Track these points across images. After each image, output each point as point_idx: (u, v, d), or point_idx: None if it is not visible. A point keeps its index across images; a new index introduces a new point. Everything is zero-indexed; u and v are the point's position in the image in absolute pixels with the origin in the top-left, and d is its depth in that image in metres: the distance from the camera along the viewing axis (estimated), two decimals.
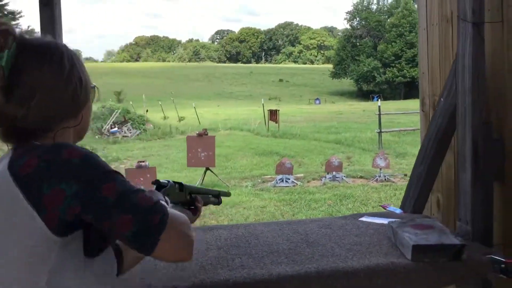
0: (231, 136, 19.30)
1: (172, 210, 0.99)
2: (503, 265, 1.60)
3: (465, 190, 1.92)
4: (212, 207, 6.59)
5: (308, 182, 10.47)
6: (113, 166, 12.20)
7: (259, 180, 10.65)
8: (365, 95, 60.02)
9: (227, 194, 1.77)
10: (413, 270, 1.59)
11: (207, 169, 9.90)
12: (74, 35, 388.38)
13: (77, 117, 1.08)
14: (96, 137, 18.78)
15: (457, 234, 1.87)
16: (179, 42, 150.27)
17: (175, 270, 1.57)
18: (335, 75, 71.32)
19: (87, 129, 1.15)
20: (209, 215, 7.59)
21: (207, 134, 10.04)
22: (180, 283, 1.47)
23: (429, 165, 2.23)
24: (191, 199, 1.43)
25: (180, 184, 1.39)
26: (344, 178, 10.18)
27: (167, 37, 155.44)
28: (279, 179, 10.11)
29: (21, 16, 47.42)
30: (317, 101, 48.46)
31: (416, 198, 2.27)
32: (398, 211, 2.31)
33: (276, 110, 20.04)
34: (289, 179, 10.12)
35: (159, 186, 1.31)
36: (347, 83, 70.86)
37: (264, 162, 13.10)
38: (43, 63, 1.02)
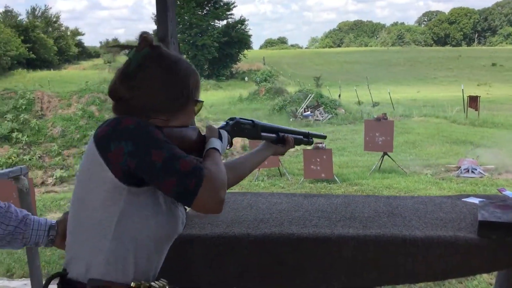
0: (424, 123, 18.45)
1: (212, 169, 1.20)
2: None
3: None
4: None
5: (499, 174, 9.56)
6: (300, 147, 12.90)
7: (442, 169, 10.12)
8: None
9: (321, 136, 1.96)
10: (476, 245, 1.61)
11: (385, 153, 9.81)
12: (281, 24, 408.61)
13: (167, 118, 1.31)
14: (291, 119, 19.85)
15: None
16: (383, 26, 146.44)
17: (256, 221, 1.88)
18: None
19: (185, 123, 1.37)
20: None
21: (386, 119, 9.91)
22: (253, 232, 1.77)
23: None
24: (269, 136, 1.69)
25: (252, 121, 1.65)
26: None
27: (371, 22, 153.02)
28: (464, 169, 9.46)
29: (234, 6, 52.17)
30: None
31: None
32: None
33: (476, 97, 18.39)
34: (476, 169, 9.39)
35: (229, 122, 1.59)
36: None
37: (454, 151, 12.32)
38: (159, 69, 1.28)
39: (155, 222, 1.22)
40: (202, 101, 1.41)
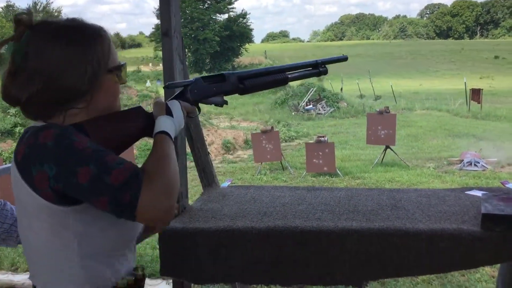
0: (426, 116, 18.43)
1: (153, 169, 1.00)
2: None
3: None
4: None
5: (502, 167, 9.56)
6: (302, 141, 12.92)
7: (444, 162, 10.12)
8: None
9: (339, 59, 1.65)
10: (479, 238, 1.62)
11: (387, 147, 9.81)
12: (282, 17, 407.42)
13: (84, 104, 1.10)
14: (293, 113, 19.84)
15: None
16: (385, 19, 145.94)
17: (259, 214, 1.89)
18: None
19: (107, 108, 1.15)
20: None
21: (388, 112, 9.91)
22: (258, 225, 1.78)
23: None
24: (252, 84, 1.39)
25: (220, 74, 1.35)
26: None
27: (373, 14, 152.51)
28: (466, 162, 9.45)
29: (236, 0, 52.06)
30: None
31: None
32: None
33: (479, 90, 18.35)
34: (479, 162, 9.39)
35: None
36: None
37: (456, 144, 12.31)
38: (49, 51, 1.05)
39: (115, 230, 1.10)
40: (123, 64, 1.17)
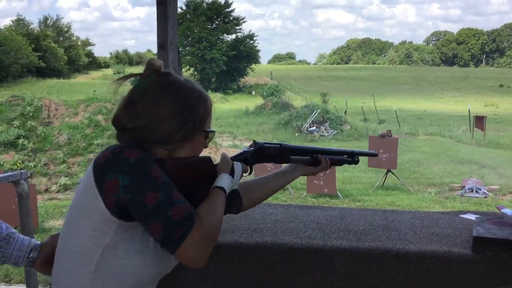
0: (429, 141, 18.41)
1: (206, 218, 1.12)
2: None
3: None
4: None
5: (503, 195, 9.51)
6: None
7: (446, 188, 10.07)
8: None
9: (371, 154, 2.01)
10: (470, 261, 1.59)
11: (389, 170, 9.78)
12: (289, 39, 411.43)
13: (171, 149, 1.23)
14: (296, 134, 19.85)
15: None
16: (391, 44, 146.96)
17: (249, 230, 1.87)
18: None
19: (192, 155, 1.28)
20: None
21: (390, 136, 9.91)
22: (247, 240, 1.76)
23: None
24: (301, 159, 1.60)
25: (279, 145, 1.53)
26: None
27: (379, 40, 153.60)
28: (468, 189, 9.42)
29: (244, 22, 52.64)
30: None
31: None
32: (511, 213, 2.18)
33: (482, 117, 18.37)
34: (480, 189, 9.34)
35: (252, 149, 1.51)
36: None
37: (458, 170, 12.27)
38: (164, 97, 1.21)
39: (139, 258, 1.16)
40: (214, 131, 1.31)
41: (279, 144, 1.53)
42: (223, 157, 1.36)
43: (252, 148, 1.51)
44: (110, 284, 1.16)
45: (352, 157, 1.75)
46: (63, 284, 1.18)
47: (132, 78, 1.28)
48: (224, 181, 1.27)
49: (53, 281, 1.22)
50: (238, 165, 1.38)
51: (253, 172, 1.51)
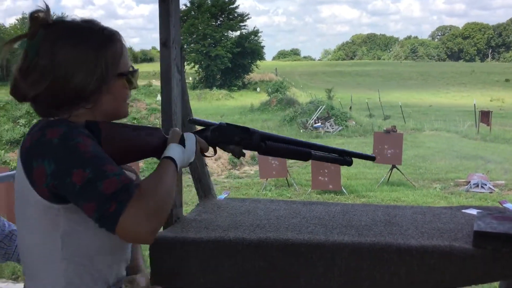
0: (435, 137, 18.36)
1: (149, 188, 0.99)
2: None
3: None
4: None
5: (509, 190, 9.48)
6: None
7: (451, 183, 10.05)
8: None
9: (368, 157, 1.67)
10: (471, 256, 1.60)
11: (394, 166, 9.77)
12: (294, 35, 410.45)
13: (90, 105, 1.12)
14: (301, 131, 19.85)
15: None
16: (396, 39, 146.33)
17: (252, 226, 1.88)
18: None
19: (114, 112, 1.17)
20: None
21: (395, 131, 9.90)
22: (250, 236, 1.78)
23: None
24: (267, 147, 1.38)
25: (246, 128, 1.36)
26: None
27: (384, 35, 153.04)
28: (473, 184, 9.39)
29: (248, 18, 52.56)
30: None
31: None
32: None
33: (488, 112, 18.31)
34: (486, 184, 9.32)
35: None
36: None
37: (464, 165, 12.23)
38: (62, 50, 1.07)
39: (103, 234, 1.03)
40: (135, 70, 1.19)
41: (246, 128, 1.35)
42: (172, 129, 1.23)
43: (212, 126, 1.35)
44: (86, 265, 1.11)
45: (342, 156, 1.56)
46: (37, 277, 1.11)
47: (19, 42, 1.11)
48: (172, 150, 1.14)
49: (26, 277, 1.15)
50: (189, 136, 1.23)
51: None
